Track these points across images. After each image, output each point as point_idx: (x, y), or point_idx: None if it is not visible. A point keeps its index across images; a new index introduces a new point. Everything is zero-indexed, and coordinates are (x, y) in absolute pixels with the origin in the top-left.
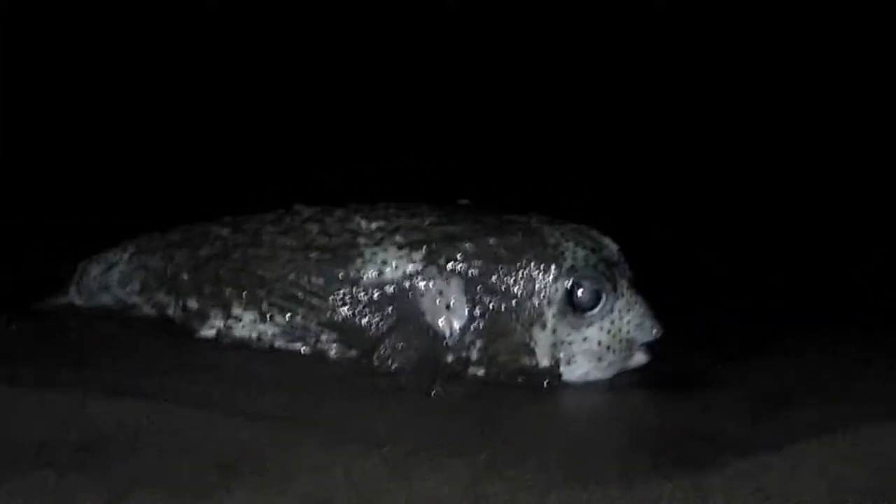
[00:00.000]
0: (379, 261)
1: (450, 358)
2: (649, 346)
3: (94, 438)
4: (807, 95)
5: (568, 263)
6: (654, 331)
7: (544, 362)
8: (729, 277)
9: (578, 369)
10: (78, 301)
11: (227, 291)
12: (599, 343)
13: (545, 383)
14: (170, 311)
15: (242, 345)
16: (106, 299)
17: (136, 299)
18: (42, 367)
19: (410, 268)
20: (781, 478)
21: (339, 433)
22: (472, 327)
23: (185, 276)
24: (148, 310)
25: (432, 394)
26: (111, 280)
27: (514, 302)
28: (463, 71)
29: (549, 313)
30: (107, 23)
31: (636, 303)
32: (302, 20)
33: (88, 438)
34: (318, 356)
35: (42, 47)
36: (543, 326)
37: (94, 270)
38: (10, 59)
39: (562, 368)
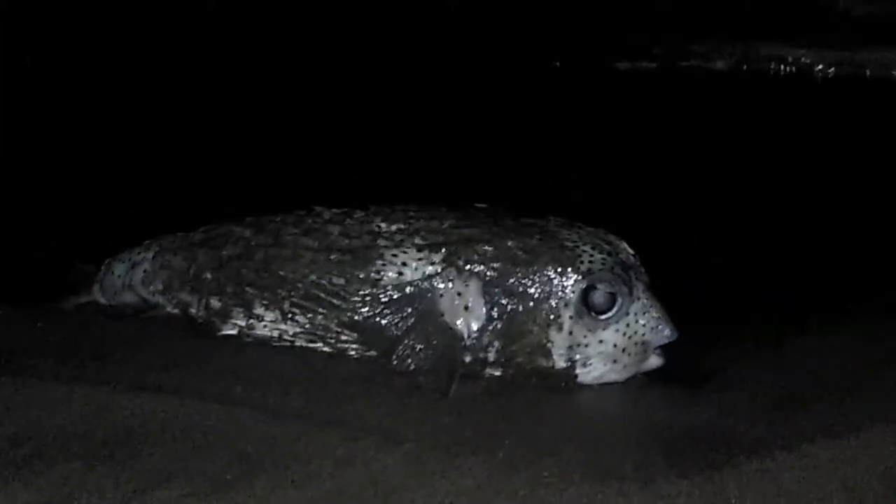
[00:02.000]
0: (399, 262)
1: (468, 358)
2: (665, 349)
3: (119, 433)
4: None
5: (585, 266)
6: (670, 334)
7: (560, 364)
8: (738, 276)
9: (594, 371)
10: (101, 299)
11: (249, 291)
12: (615, 346)
13: (562, 385)
14: (192, 310)
15: (264, 343)
16: (129, 298)
17: (159, 298)
18: (68, 363)
19: (429, 269)
20: (797, 478)
21: (360, 430)
22: (489, 328)
23: (208, 276)
24: (171, 308)
25: (450, 393)
26: (135, 279)
27: (531, 303)
28: (478, 71)
29: (566, 315)
30: (114, 23)
31: (652, 306)
32: (311, 20)
33: (114, 433)
34: (339, 355)
35: (53, 46)
36: (560, 328)
37: (118, 269)
38: (15, 59)
39: (577, 370)
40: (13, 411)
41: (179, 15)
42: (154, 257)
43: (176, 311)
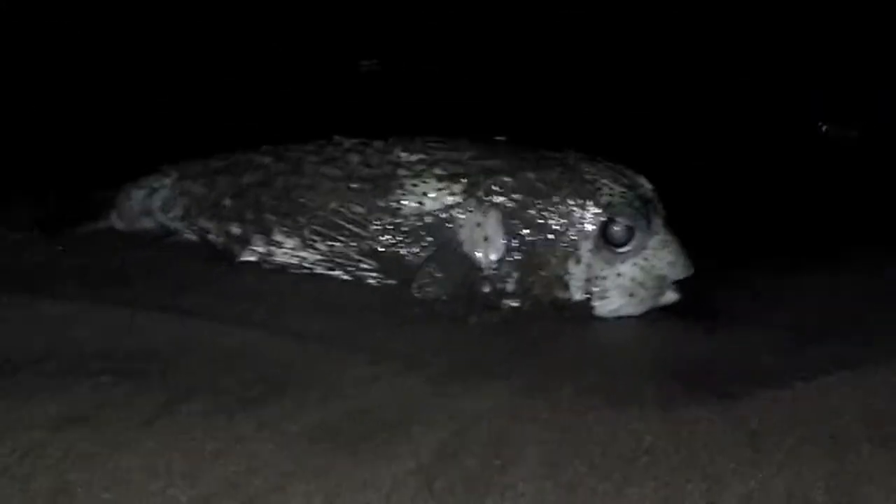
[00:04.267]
0: (419, 192)
1: (486, 288)
2: (680, 284)
3: (144, 349)
4: None
5: (604, 199)
6: (686, 269)
7: (578, 296)
8: (748, 215)
9: (611, 304)
10: (119, 226)
11: (269, 218)
12: (632, 279)
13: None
14: (212, 237)
15: (283, 270)
16: (148, 224)
17: (178, 224)
18: (87, 285)
19: (449, 199)
20: (814, 406)
21: (382, 354)
22: (508, 259)
23: (228, 202)
24: (190, 235)
25: (469, 322)
26: (153, 205)
27: (550, 235)
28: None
29: (584, 248)
30: None
31: (669, 241)
32: None
33: (139, 349)
34: (358, 283)
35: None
36: (578, 260)
37: (137, 195)
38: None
39: (595, 303)
40: (34, 329)
41: None
42: (173, 184)
43: (195, 237)
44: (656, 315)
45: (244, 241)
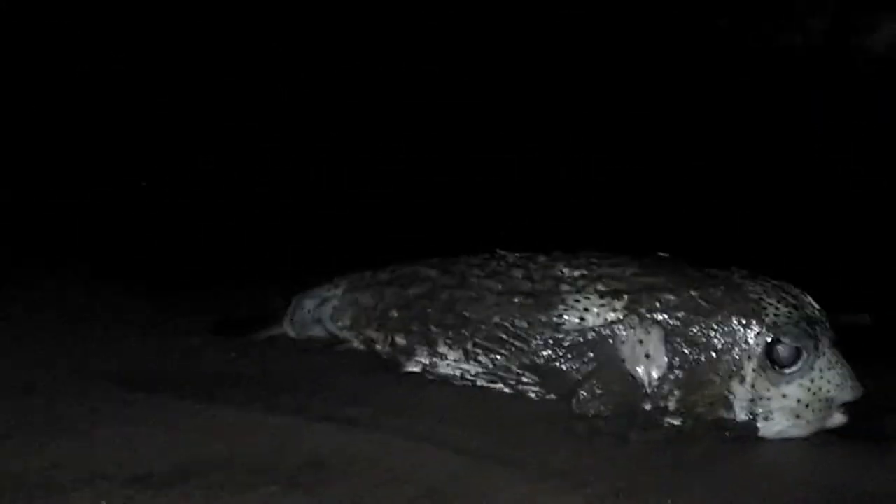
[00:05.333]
0: (581, 307)
1: (647, 406)
2: (849, 407)
3: (311, 461)
4: None
5: (770, 319)
6: (855, 391)
7: (742, 416)
8: None
9: (776, 426)
10: (291, 333)
11: (434, 330)
12: (798, 401)
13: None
14: (378, 347)
15: (446, 382)
16: (317, 332)
17: (346, 333)
18: (260, 393)
19: (611, 315)
20: None
21: (541, 471)
22: (670, 377)
23: (395, 314)
24: (357, 344)
25: (630, 440)
26: (324, 314)
27: (713, 354)
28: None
29: (749, 368)
30: None
31: (837, 362)
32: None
33: (307, 461)
34: (519, 397)
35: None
36: (742, 380)
37: (308, 304)
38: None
39: (759, 424)
40: (209, 438)
41: None
42: (343, 294)
43: (362, 346)
44: (823, 437)
45: (409, 353)
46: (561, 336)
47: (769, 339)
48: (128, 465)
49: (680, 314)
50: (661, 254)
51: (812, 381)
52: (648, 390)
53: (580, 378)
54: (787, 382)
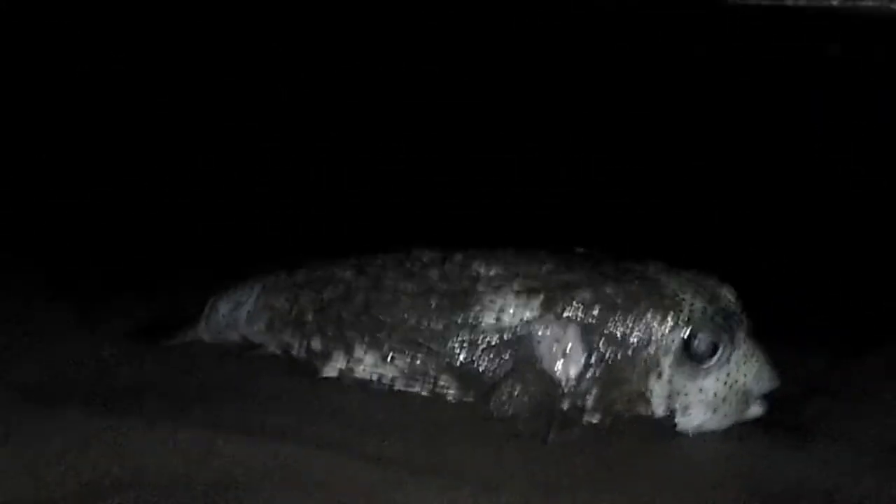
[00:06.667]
0: (497, 307)
1: (566, 405)
2: (766, 398)
3: (223, 478)
4: None
5: (685, 314)
6: (772, 382)
7: (660, 412)
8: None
9: (694, 420)
10: (206, 337)
11: (350, 334)
12: (715, 394)
13: (660, 433)
14: (294, 351)
15: (363, 386)
16: (233, 337)
17: (262, 338)
18: (175, 405)
19: (528, 315)
20: None
21: (458, 478)
22: (588, 375)
23: (310, 318)
24: (273, 349)
25: (548, 440)
26: (239, 318)
27: (630, 351)
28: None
29: (666, 363)
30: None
31: (753, 354)
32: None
33: (219, 478)
34: (437, 400)
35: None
36: (659, 376)
37: (223, 308)
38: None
39: (677, 419)
40: (118, 455)
41: None
42: (258, 297)
43: (278, 351)
44: (741, 430)
45: (325, 357)
46: (477, 337)
47: (685, 334)
48: (28, 490)
49: (596, 311)
50: (579, 249)
51: (728, 374)
52: (566, 389)
53: (498, 379)
54: (704, 377)
